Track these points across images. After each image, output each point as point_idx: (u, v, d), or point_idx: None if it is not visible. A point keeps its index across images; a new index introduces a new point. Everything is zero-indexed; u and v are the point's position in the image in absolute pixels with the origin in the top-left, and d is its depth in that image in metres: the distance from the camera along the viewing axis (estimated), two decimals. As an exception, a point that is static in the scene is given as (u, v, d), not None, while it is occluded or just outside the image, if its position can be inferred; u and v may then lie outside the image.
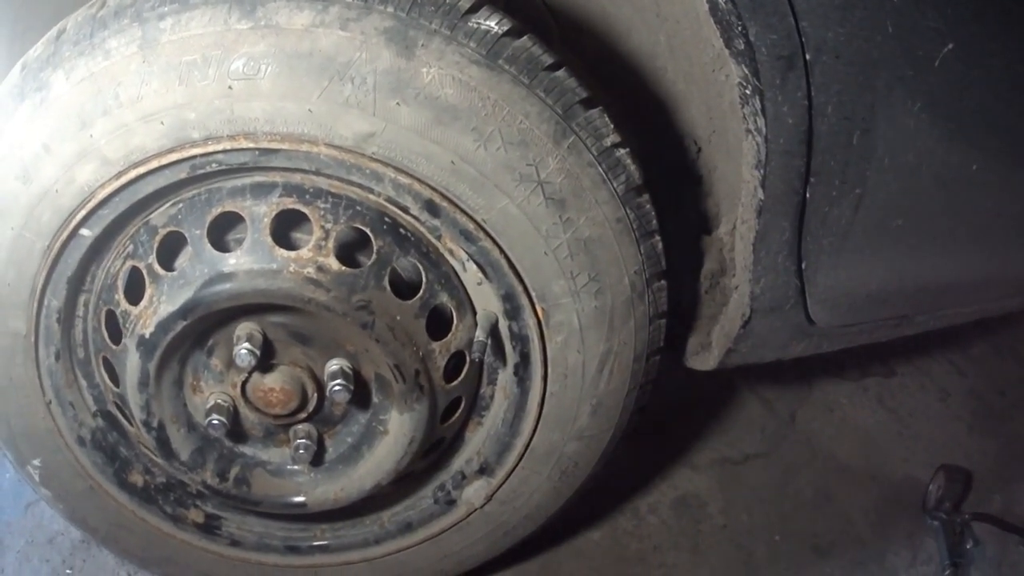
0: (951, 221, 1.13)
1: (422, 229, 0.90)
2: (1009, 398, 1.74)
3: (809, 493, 1.47)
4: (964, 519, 1.42)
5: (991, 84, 1.04)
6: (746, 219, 0.99)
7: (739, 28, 0.87)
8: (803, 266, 1.03)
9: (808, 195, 0.98)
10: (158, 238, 0.91)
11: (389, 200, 0.87)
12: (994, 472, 1.56)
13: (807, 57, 0.90)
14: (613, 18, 1.11)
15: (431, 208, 0.86)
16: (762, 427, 1.58)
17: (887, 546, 1.40)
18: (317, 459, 1.00)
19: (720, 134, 1.01)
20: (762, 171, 0.94)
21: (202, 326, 0.92)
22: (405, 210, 0.88)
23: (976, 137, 1.06)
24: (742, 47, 0.88)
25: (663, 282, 0.97)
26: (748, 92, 0.90)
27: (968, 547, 1.40)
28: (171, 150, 0.84)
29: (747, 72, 0.89)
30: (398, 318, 0.89)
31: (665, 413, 1.53)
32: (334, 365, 0.93)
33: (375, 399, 0.96)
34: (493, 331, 0.93)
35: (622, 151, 0.89)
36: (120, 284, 0.93)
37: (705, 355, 1.10)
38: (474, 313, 0.94)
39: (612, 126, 0.88)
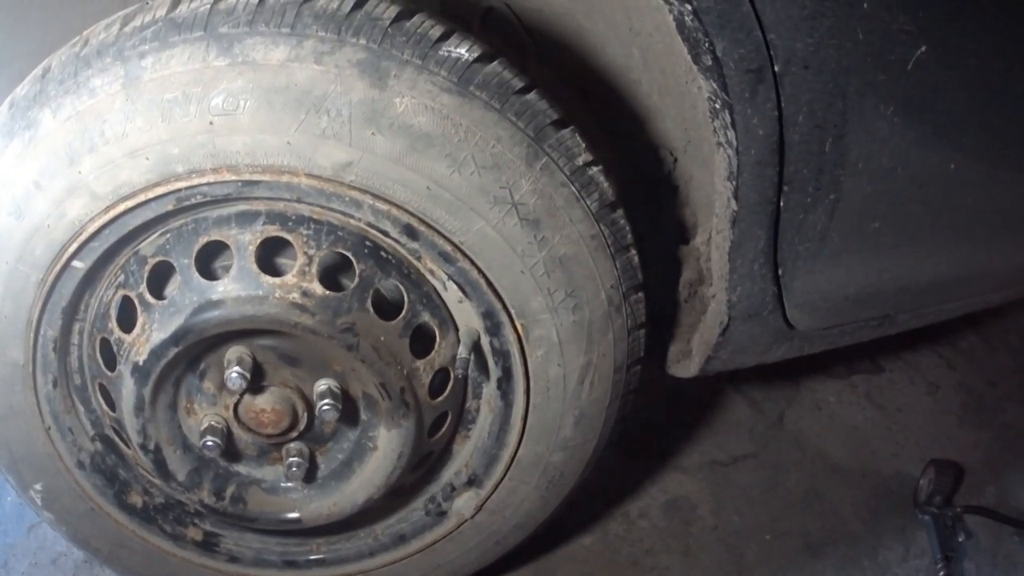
0: (930, 221, 1.14)
1: (402, 252, 0.92)
2: (999, 389, 1.75)
3: (799, 492, 1.48)
4: (956, 512, 1.43)
5: (967, 83, 1.05)
6: (721, 229, 1.01)
7: (706, 44, 0.89)
8: (780, 273, 1.05)
9: (782, 203, 1.00)
10: (148, 268, 0.93)
11: (369, 225, 0.90)
12: (986, 464, 1.57)
13: (776, 69, 0.91)
14: (588, 33, 1.13)
15: (410, 232, 0.89)
16: (750, 428, 1.60)
17: (879, 542, 1.42)
18: (310, 476, 1.02)
19: (695, 144, 1.03)
20: (734, 182, 0.96)
21: (193, 351, 0.94)
22: (385, 234, 0.90)
23: (953, 137, 1.08)
24: (710, 63, 0.90)
25: (640, 294, 0.99)
26: (717, 106, 0.92)
27: (960, 540, 1.41)
28: (157, 184, 0.87)
29: (716, 87, 0.91)
30: (382, 338, 0.91)
31: (653, 417, 1.55)
32: (322, 385, 0.96)
33: (363, 416, 0.99)
34: (475, 347, 0.96)
35: (595, 169, 0.91)
36: (113, 313, 0.96)
37: (686, 363, 1.12)
38: (457, 330, 0.97)
39: (584, 145, 0.91)
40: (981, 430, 1.65)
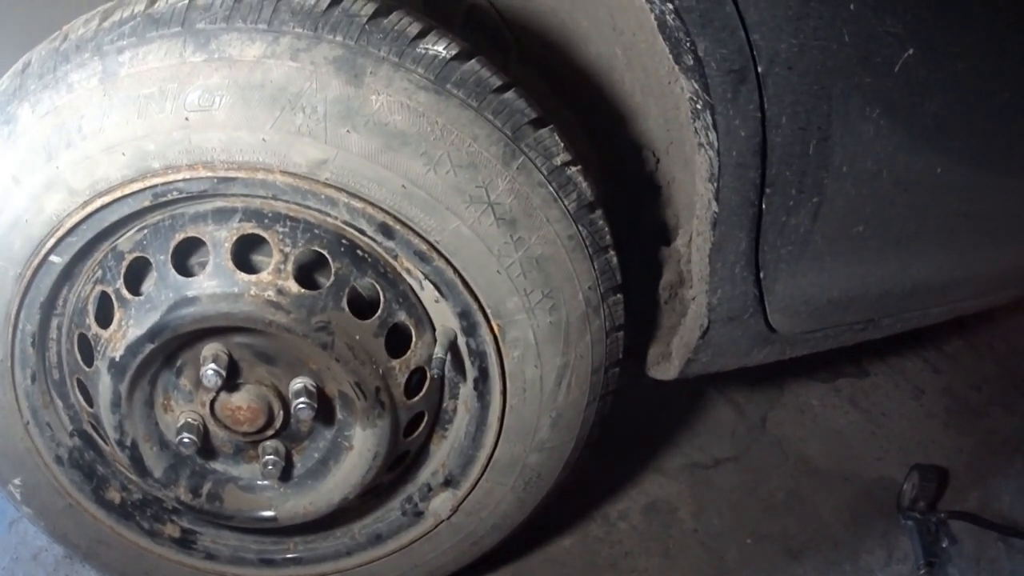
0: (915, 225, 1.14)
1: (379, 250, 0.92)
2: (985, 394, 1.75)
3: (781, 496, 1.48)
4: (939, 518, 1.43)
5: (954, 87, 1.05)
6: (701, 231, 1.00)
7: (688, 44, 0.89)
8: (761, 275, 1.05)
9: (764, 206, 1.00)
10: (125, 263, 0.93)
11: (345, 223, 0.90)
12: (971, 469, 1.57)
13: (759, 70, 0.91)
14: (570, 31, 1.12)
15: (385, 231, 0.89)
16: (732, 431, 1.59)
17: (861, 546, 1.42)
18: (286, 474, 1.02)
19: (677, 145, 1.03)
20: (715, 184, 0.96)
21: (170, 348, 0.94)
22: (361, 232, 0.90)
23: (939, 140, 1.08)
24: (691, 62, 0.90)
25: (619, 296, 0.99)
26: (699, 107, 0.92)
27: (944, 546, 1.41)
28: (133, 180, 0.87)
29: (697, 87, 0.91)
30: (357, 337, 0.91)
31: (634, 419, 1.54)
32: (298, 383, 0.96)
33: (339, 415, 0.99)
34: (452, 347, 0.95)
35: (573, 169, 0.91)
36: (90, 308, 0.95)
37: (666, 365, 1.12)
38: (433, 330, 0.97)
39: (562, 145, 0.90)
40: (966, 435, 1.65)
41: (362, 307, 0.93)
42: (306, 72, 0.82)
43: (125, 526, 1.11)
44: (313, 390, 0.95)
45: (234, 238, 0.90)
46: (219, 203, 0.91)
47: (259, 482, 1.03)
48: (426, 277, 0.92)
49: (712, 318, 1.05)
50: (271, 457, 0.99)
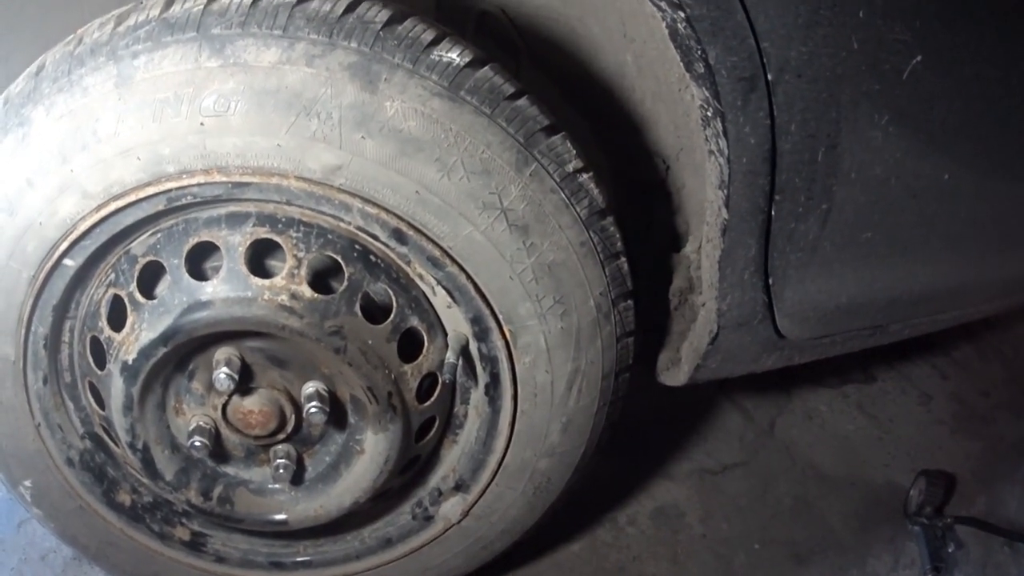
0: (924, 231, 1.14)
1: (392, 256, 0.92)
2: (992, 400, 1.75)
3: (788, 501, 1.48)
4: (946, 523, 1.43)
5: (962, 93, 1.05)
6: (711, 237, 1.01)
7: (698, 52, 0.89)
8: (770, 282, 1.05)
9: (774, 212, 1.00)
10: (138, 267, 0.94)
11: (359, 228, 0.90)
12: (977, 474, 1.57)
13: (769, 77, 0.92)
14: (582, 38, 1.13)
15: (398, 236, 0.89)
16: (740, 436, 1.60)
17: (868, 551, 1.42)
18: (297, 478, 1.03)
19: (687, 152, 1.04)
20: (725, 191, 0.96)
21: (182, 351, 0.94)
22: (375, 238, 0.91)
23: (948, 147, 1.08)
24: (702, 70, 0.90)
25: (630, 302, 0.99)
26: (709, 114, 0.92)
27: (950, 551, 1.41)
28: (148, 183, 0.87)
29: (708, 95, 0.91)
30: (370, 342, 0.91)
31: (643, 424, 1.55)
32: (310, 387, 0.96)
33: (351, 419, 0.99)
34: (463, 352, 0.96)
35: (585, 176, 0.91)
36: (103, 311, 0.96)
37: (675, 371, 1.12)
38: (445, 335, 0.97)
39: (574, 151, 0.91)
40: (973, 440, 1.65)
41: (375, 312, 0.93)
42: (321, 78, 0.82)
43: (135, 528, 1.11)
44: (325, 394, 0.95)
45: (248, 243, 0.90)
46: (233, 208, 0.91)
47: (270, 485, 1.04)
48: (439, 283, 0.93)
49: (721, 324, 1.05)
50: (282, 461, 1.00)
